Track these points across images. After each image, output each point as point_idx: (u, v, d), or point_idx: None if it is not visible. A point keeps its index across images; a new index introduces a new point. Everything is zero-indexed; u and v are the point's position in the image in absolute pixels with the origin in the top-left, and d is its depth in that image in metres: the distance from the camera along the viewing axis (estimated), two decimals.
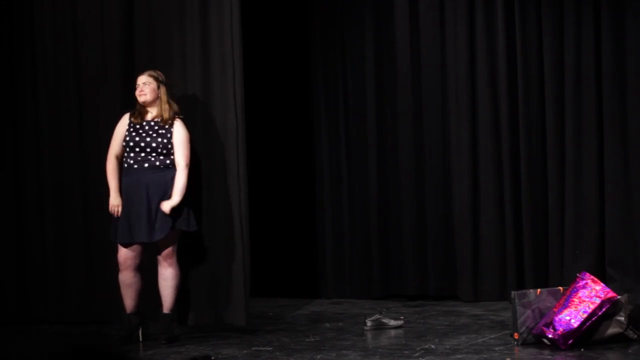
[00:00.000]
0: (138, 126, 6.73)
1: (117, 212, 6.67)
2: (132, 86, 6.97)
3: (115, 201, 6.70)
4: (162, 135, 6.69)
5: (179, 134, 6.71)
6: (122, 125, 6.78)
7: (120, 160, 6.76)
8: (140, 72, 6.84)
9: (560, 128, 7.89)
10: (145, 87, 6.74)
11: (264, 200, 8.58)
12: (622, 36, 7.74)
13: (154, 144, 6.68)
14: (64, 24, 7.46)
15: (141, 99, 6.75)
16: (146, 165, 6.66)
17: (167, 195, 6.61)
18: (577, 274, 6.30)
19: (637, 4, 7.70)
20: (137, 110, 6.78)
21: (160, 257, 6.71)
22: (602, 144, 7.81)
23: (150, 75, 6.76)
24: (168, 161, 6.68)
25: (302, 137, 8.67)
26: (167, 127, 6.72)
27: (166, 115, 6.73)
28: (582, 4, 7.80)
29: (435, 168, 8.26)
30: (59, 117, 7.48)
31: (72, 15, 7.43)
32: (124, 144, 6.71)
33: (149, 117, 6.77)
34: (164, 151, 6.67)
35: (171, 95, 6.82)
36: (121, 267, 6.72)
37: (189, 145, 6.74)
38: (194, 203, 6.80)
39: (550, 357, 5.88)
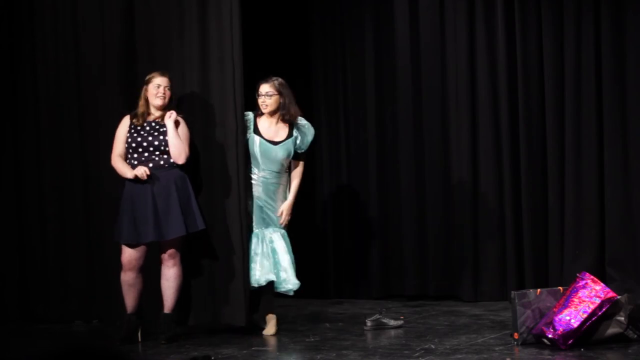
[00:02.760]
0: (139, 127, 6.73)
1: (145, 170, 6.60)
2: (133, 85, 6.96)
3: (137, 170, 6.63)
4: (165, 134, 6.69)
5: (183, 130, 6.73)
6: (124, 127, 6.77)
7: (124, 160, 6.75)
8: (154, 72, 6.79)
9: (560, 128, 7.90)
10: (167, 91, 6.75)
11: None
12: (622, 36, 7.74)
13: (156, 143, 6.68)
14: (64, 23, 7.47)
15: (160, 102, 6.72)
16: (151, 165, 6.67)
17: (172, 195, 6.63)
18: (577, 274, 6.29)
19: (637, 4, 7.70)
20: (140, 112, 6.75)
21: (164, 257, 6.72)
22: (602, 144, 7.81)
23: (170, 80, 6.78)
24: (171, 160, 6.69)
25: None
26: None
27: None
28: (582, 4, 7.80)
29: (435, 168, 8.27)
30: (59, 117, 7.48)
31: (72, 14, 7.44)
32: (126, 145, 6.70)
33: (150, 117, 6.77)
34: (167, 149, 6.68)
35: None
36: (126, 267, 6.72)
37: (188, 142, 6.75)
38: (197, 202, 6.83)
39: (550, 357, 5.88)
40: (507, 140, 8.01)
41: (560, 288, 6.38)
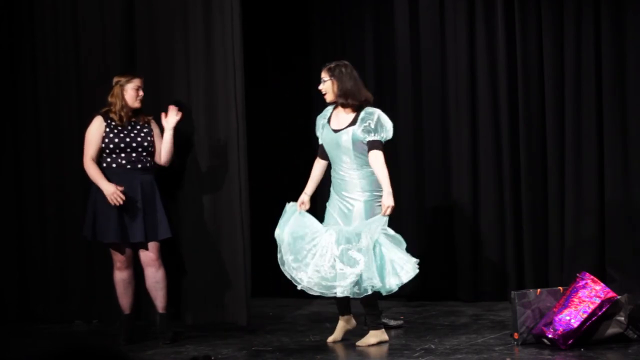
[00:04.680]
0: (121, 127, 6.71)
1: (119, 195, 6.52)
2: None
3: (111, 187, 6.56)
4: (148, 134, 6.72)
5: (158, 132, 6.80)
6: (99, 128, 6.69)
7: (97, 163, 6.71)
8: (126, 74, 6.78)
9: (560, 128, 7.89)
10: (143, 92, 6.74)
11: (265, 200, 8.57)
12: (622, 36, 7.74)
13: (145, 144, 6.70)
14: (64, 23, 7.47)
15: (139, 104, 6.73)
16: (139, 165, 6.68)
17: (156, 197, 6.65)
18: (577, 274, 6.30)
19: (637, 4, 7.70)
20: (117, 112, 6.69)
21: (149, 259, 6.71)
22: (602, 144, 7.81)
23: (143, 81, 6.77)
24: (153, 161, 6.73)
25: (302, 137, 8.67)
26: (146, 125, 6.76)
27: (141, 114, 6.76)
28: (582, 4, 7.80)
29: (435, 168, 8.26)
30: (59, 117, 7.49)
31: (72, 14, 7.44)
32: (112, 145, 6.66)
33: (127, 117, 6.74)
34: (152, 150, 6.70)
35: None
36: (122, 266, 6.74)
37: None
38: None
39: (550, 357, 5.88)
40: (507, 140, 8.01)
41: (560, 288, 6.38)
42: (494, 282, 8.05)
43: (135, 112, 6.74)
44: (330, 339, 6.56)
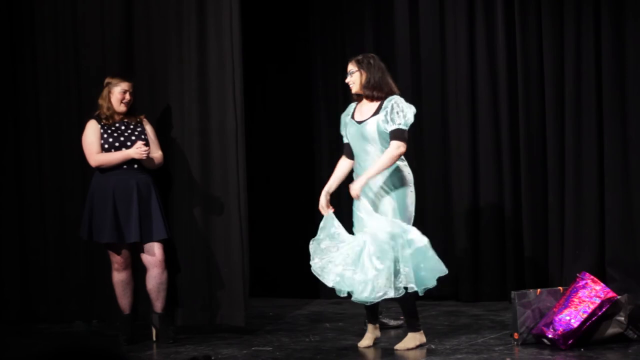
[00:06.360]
0: (114, 128, 6.72)
1: (145, 150, 6.57)
2: (132, 86, 6.98)
3: (132, 148, 6.61)
4: (142, 132, 6.73)
5: (151, 130, 6.81)
6: (95, 130, 6.73)
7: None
8: (116, 77, 6.79)
9: (560, 128, 7.90)
10: (131, 96, 6.75)
11: (264, 200, 8.58)
12: (622, 36, 7.74)
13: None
14: (64, 24, 7.47)
15: (125, 108, 6.74)
16: (135, 165, 6.68)
17: (153, 197, 6.66)
18: (577, 274, 6.30)
19: (637, 4, 7.70)
20: (109, 113, 6.72)
21: (157, 261, 6.71)
22: (602, 144, 7.81)
23: (132, 85, 6.77)
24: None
25: (302, 137, 8.68)
26: (139, 124, 6.77)
27: (133, 115, 6.78)
28: (582, 4, 7.80)
29: (435, 168, 8.26)
30: (59, 117, 7.49)
31: (72, 15, 7.44)
32: (107, 146, 6.67)
33: (117, 118, 6.75)
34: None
35: None
36: (120, 267, 6.74)
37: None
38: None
39: (550, 357, 5.88)
40: (507, 141, 8.01)
41: (560, 288, 6.38)
42: (494, 282, 8.06)
43: (126, 112, 6.75)
44: (363, 344, 6.39)
